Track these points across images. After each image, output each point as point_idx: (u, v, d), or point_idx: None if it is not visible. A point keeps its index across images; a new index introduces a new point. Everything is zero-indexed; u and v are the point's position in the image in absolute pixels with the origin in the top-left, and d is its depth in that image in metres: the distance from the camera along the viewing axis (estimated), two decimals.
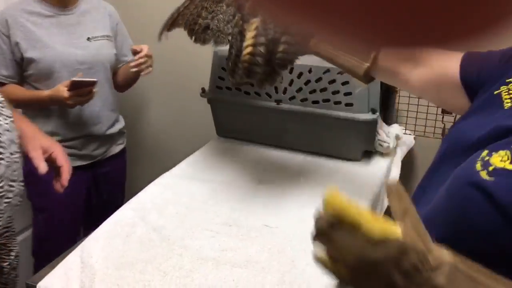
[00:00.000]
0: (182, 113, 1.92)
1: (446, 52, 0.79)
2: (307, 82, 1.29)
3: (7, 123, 0.88)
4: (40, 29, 1.37)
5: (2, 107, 0.89)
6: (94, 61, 1.45)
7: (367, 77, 0.90)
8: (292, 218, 1.06)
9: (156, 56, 1.87)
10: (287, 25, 0.18)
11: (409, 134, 1.50)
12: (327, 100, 1.28)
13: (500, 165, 0.55)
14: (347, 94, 1.25)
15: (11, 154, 0.88)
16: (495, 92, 0.66)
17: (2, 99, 0.90)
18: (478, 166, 0.57)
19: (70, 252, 0.96)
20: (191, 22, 1.05)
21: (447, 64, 0.78)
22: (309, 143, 1.38)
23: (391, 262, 0.49)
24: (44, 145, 1.02)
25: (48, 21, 1.39)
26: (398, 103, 1.49)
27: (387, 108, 1.45)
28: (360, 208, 0.51)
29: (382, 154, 1.38)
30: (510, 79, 0.65)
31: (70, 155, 1.46)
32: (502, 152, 0.56)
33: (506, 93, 0.64)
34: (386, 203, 1.28)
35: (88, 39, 1.46)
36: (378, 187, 1.22)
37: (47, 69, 1.38)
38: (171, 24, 1.08)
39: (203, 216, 1.07)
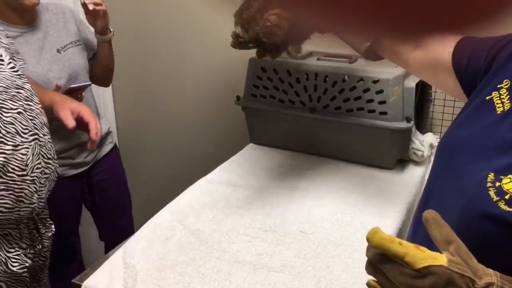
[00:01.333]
0: (217, 120, 1.96)
1: (443, 37, 0.82)
2: (341, 91, 1.31)
3: (37, 108, 0.99)
4: None
5: (32, 95, 0.98)
6: (70, 72, 1.42)
7: (371, 55, 0.94)
8: (327, 225, 1.08)
9: (193, 63, 1.93)
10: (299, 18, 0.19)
11: None
12: (361, 109, 1.29)
13: None
14: (382, 102, 1.26)
15: (44, 135, 0.98)
16: (487, 98, 0.67)
17: (32, 87, 1.00)
18: (493, 194, 0.57)
19: (113, 253, 1.00)
20: None
21: (442, 47, 0.79)
22: (342, 151, 1.39)
23: None
24: (72, 107, 1.13)
25: (16, 42, 1.32)
26: (433, 111, 1.49)
27: (421, 117, 1.45)
28: (403, 242, 0.53)
29: (416, 163, 1.37)
30: (501, 85, 0.67)
31: (64, 165, 1.49)
32: None
33: (498, 98, 0.66)
34: None
35: (58, 51, 1.41)
36: (413, 195, 1.22)
37: None
38: None
39: (239, 221, 1.10)
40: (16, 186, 0.89)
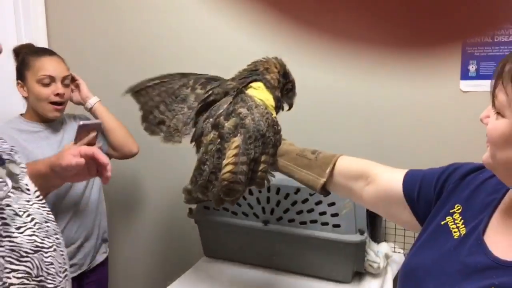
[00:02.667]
0: (169, 233, 1.90)
1: (391, 171, 0.85)
2: (294, 203, 1.30)
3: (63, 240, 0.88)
4: (30, 144, 1.44)
5: (57, 227, 0.87)
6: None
7: (324, 191, 0.94)
8: None
9: (144, 178, 1.90)
10: None
11: (399, 252, 1.48)
12: (315, 221, 1.28)
13: None
14: (334, 215, 1.26)
15: (68, 268, 0.86)
16: (442, 223, 0.70)
17: (52, 217, 0.87)
18: None
19: None
20: (147, 108, 1.05)
21: (391, 181, 0.82)
22: (298, 264, 1.35)
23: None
24: (71, 152, 1.00)
25: (37, 136, 1.48)
26: (385, 220, 1.50)
27: (374, 226, 1.45)
28: None
29: (373, 275, 1.35)
30: (454, 209, 0.69)
31: None
32: None
33: (452, 223, 0.68)
34: None
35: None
36: None
37: None
38: (136, 91, 1.09)
39: None
40: None
